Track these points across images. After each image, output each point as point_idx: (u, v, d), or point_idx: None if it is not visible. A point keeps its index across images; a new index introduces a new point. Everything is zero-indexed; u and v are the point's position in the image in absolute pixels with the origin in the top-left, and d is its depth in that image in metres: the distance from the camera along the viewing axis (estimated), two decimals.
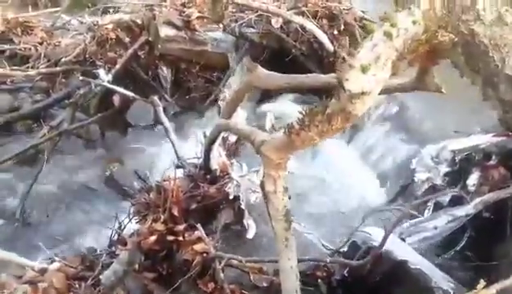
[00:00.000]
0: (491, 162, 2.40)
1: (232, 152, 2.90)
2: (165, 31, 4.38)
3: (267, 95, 4.47)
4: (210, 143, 2.34)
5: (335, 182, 2.84)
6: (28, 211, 3.11)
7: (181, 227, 1.91)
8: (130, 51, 4.45)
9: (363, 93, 0.98)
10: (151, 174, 2.78)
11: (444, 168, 2.49)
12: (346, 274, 1.83)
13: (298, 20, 4.06)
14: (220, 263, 1.69)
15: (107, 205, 3.05)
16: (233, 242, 2.27)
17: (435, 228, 2.16)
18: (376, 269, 1.77)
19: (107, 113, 4.09)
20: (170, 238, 1.85)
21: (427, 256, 2.06)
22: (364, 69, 0.96)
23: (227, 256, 1.73)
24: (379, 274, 1.76)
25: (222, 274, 1.69)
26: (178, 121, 4.19)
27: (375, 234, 1.95)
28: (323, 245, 2.03)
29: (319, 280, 1.84)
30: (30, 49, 5.02)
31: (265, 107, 4.12)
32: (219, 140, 2.55)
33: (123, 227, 2.31)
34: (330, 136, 1.19)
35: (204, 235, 1.81)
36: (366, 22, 4.34)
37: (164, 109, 4.05)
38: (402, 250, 1.82)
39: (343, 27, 4.39)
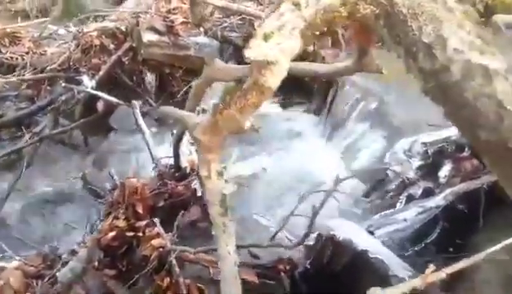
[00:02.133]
0: (464, 154, 2.37)
1: None
2: (148, 36, 4.40)
3: None
4: (177, 140, 2.33)
5: (309, 179, 2.80)
6: (6, 215, 3.10)
7: (142, 223, 1.89)
8: (114, 57, 4.47)
9: (269, 63, 0.97)
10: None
11: (417, 161, 2.47)
12: (308, 267, 1.79)
13: None
14: (173, 255, 1.67)
15: (86, 208, 3.03)
16: (200, 239, 2.25)
17: (405, 220, 2.13)
18: (337, 259, 1.74)
19: (90, 118, 4.10)
20: (129, 233, 1.82)
21: (396, 249, 2.03)
22: (266, 37, 0.94)
23: (179, 248, 1.70)
24: (340, 265, 1.73)
25: (177, 268, 1.66)
26: (162, 125, 4.20)
27: (341, 227, 1.92)
28: (288, 238, 2.00)
29: (281, 273, 1.81)
30: (17, 58, 5.07)
31: None
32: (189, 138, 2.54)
33: (95, 228, 2.30)
34: (249, 113, 1.17)
35: (162, 230, 1.78)
36: None
37: (148, 114, 4.06)
38: (365, 240, 1.79)
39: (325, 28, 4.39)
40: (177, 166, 2.40)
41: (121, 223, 1.93)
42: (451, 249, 2.13)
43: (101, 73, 4.36)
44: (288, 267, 1.82)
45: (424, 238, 2.15)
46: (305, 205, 2.39)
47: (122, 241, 1.84)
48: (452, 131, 2.48)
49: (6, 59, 5.07)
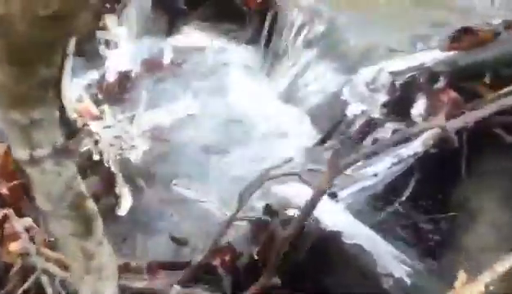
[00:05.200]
0: (440, 85, 1.90)
1: (112, 95, 2.20)
2: None
3: (173, 27, 3.76)
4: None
5: (247, 126, 2.23)
6: None
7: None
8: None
9: None
10: None
11: (382, 96, 1.96)
12: (256, 256, 1.26)
13: None
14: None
15: None
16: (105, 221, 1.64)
17: (375, 175, 1.64)
18: (296, 245, 1.21)
19: None
20: None
21: (366, 215, 1.55)
22: None
23: (42, 267, 1.08)
24: (300, 253, 1.21)
25: (50, 288, 1.05)
26: None
27: (294, 193, 1.39)
28: (226, 214, 1.45)
29: (219, 269, 1.26)
30: None
31: (170, 39, 3.34)
32: (87, 80, 1.84)
33: None
34: None
35: (20, 225, 1.13)
36: None
37: None
38: (333, 214, 1.27)
39: None
40: (62, 118, 1.70)
41: None
42: (431, 207, 1.70)
43: None
44: (228, 259, 1.27)
45: (397, 196, 1.69)
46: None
47: None
48: (425, 57, 1.99)
49: None
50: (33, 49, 0.59)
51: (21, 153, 0.66)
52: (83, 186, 0.72)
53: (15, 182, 1.36)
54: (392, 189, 1.70)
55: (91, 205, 0.73)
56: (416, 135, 1.62)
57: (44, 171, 0.66)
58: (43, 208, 0.70)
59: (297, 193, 1.31)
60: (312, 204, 1.02)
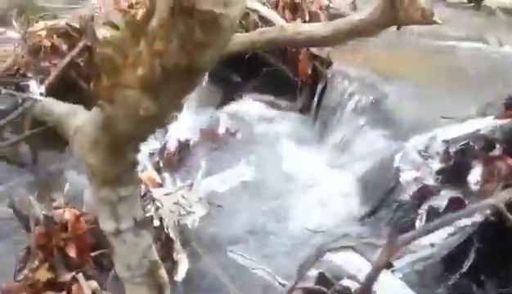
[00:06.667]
0: (496, 152, 1.87)
1: (173, 163, 2.34)
2: (104, 32, 3.84)
3: (228, 98, 3.98)
4: None
5: (299, 195, 2.26)
6: None
7: (67, 276, 1.31)
8: (66, 58, 3.91)
9: None
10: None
11: (436, 164, 1.95)
12: None
13: (254, 6, 3.53)
14: None
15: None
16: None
17: (432, 245, 1.60)
18: None
19: (39, 130, 3.52)
20: None
21: (423, 286, 1.50)
22: None
23: None
24: None
25: None
26: None
27: (347, 263, 1.38)
28: (280, 283, 1.45)
29: None
30: None
31: (225, 109, 3.54)
32: (150, 149, 1.99)
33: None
34: (178, 93, 0.63)
35: (87, 287, 1.21)
36: (333, 10, 3.95)
37: None
38: (389, 286, 1.25)
39: (308, 17, 3.91)
40: None
41: (43, 275, 1.35)
42: (492, 280, 1.62)
43: (50, 77, 3.79)
44: None
45: (457, 267, 1.63)
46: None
47: None
48: (479, 124, 1.97)
49: None
50: (128, 140, 0.69)
51: (108, 226, 0.74)
52: (156, 255, 0.79)
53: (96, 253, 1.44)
54: (450, 260, 1.64)
55: (163, 273, 0.79)
56: (477, 211, 1.57)
57: (125, 242, 0.74)
58: (122, 275, 0.77)
59: (349, 262, 1.31)
60: (371, 280, 1.02)
